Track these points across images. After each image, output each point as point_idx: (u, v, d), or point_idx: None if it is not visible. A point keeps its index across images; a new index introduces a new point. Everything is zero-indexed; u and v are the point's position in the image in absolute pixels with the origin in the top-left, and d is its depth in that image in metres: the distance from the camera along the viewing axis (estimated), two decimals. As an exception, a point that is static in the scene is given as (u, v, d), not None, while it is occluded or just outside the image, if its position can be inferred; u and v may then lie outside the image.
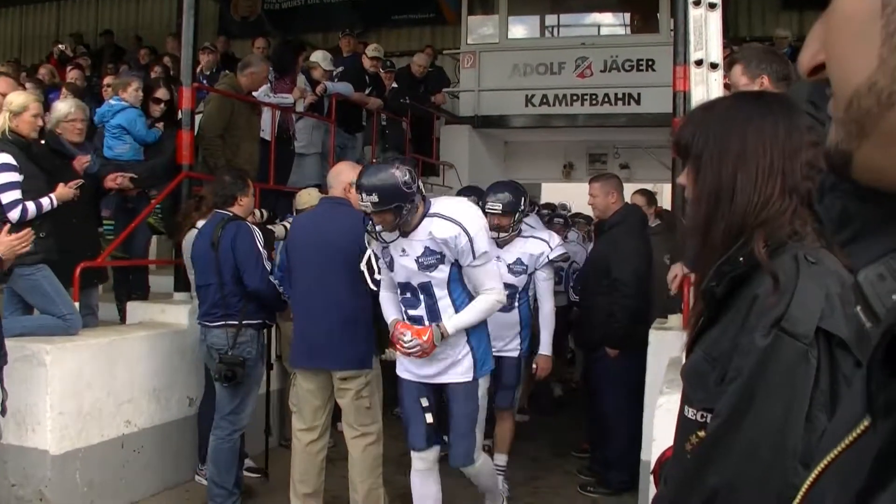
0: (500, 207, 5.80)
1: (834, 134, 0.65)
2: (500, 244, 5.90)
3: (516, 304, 5.95)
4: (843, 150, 0.63)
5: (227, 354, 5.58)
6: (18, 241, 4.42)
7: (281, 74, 9.44)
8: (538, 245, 5.99)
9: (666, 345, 5.20)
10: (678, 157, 1.75)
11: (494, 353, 5.67)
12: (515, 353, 6.01)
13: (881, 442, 0.58)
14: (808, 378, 1.39)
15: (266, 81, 8.43)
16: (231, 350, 5.59)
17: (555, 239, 6.19)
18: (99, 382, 5.58)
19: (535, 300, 6.14)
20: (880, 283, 0.65)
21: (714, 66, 5.05)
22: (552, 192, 15.16)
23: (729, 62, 4.37)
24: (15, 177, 5.63)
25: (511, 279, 5.86)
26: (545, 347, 6.06)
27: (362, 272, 4.95)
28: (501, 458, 6.23)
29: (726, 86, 5.16)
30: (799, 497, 0.69)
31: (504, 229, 5.85)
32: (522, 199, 5.93)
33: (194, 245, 5.94)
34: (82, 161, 6.50)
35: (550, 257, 5.98)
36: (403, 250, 4.71)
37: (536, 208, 9.54)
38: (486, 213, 5.57)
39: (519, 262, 5.96)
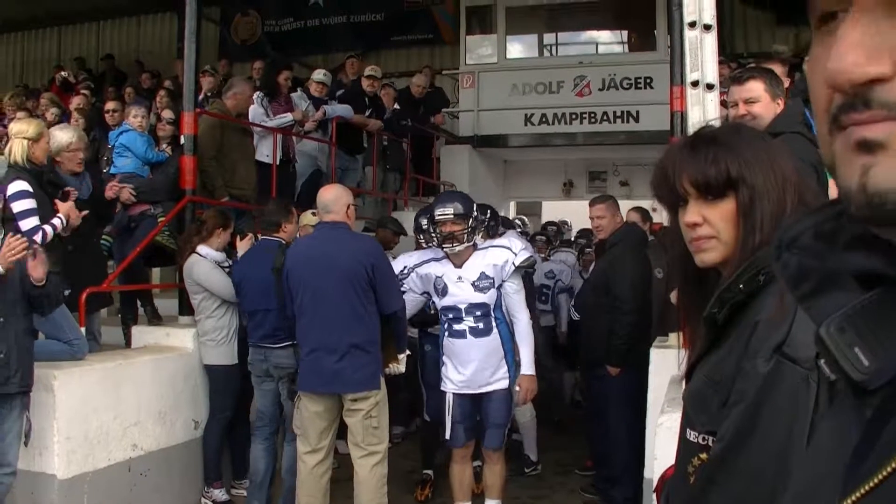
0: (451, 212, 5.31)
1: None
2: (458, 262, 5.46)
3: (493, 324, 5.46)
4: (816, 215, 0.61)
5: (296, 374, 5.69)
6: (10, 249, 4.53)
7: (272, 97, 9.50)
8: (500, 253, 5.45)
9: (667, 363, 5.20)
10: (699, 196, 1.72)
11: (480, 389, 5.51)
12: (504, 384, 5.51)
13: None
14: (809, 402, 1.43)
15: (251, 102, 8.47)
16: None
17: (516, 243, 5.66)
18: (105, 406, 5.61)
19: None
20: (840, 335, 0.66)
21: (710, 86, 5.09)
22: (553, 211, 15.20)
23: (745, 76, 4.39)
24: (32, 203, 5.68)
25: (480, 297, 5.41)
26: (527, 366, 5.49)
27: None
28: None
29: (723, 103, 5.22)
30: None
31: (458, 238, 5.34)
32: (474, 206, 5.49)
33: (242, 270, 6.09)
34: (73, 195, 6.52)
35: (517, 263, 5.43)
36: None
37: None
38: (435, 224, 5.40)
39: (483, 276, 5.41)
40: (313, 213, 6.53)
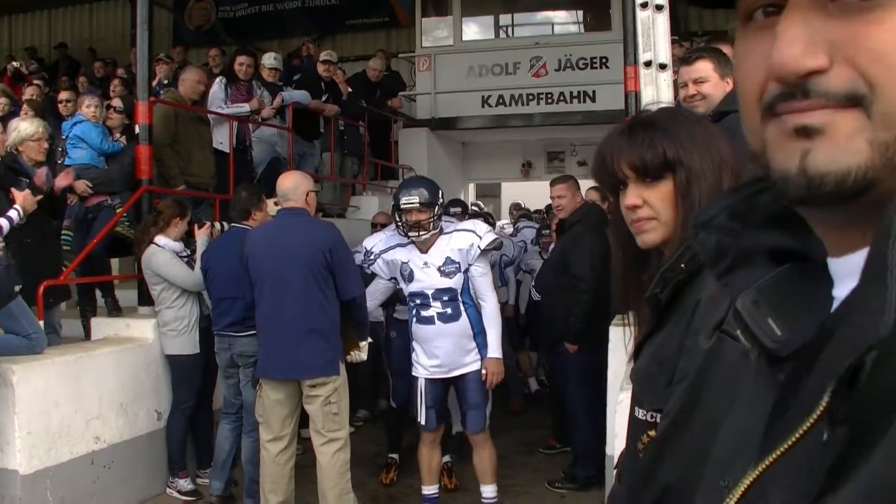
0: (417, 200, 5.25)
1: (857, 156, 0.61)
2: (424, 247, 5.40)
3: (462, 308, 5.42)
4: (872, 178, 0.61)
5: None
6: None
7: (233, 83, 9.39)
8: (465, 237, 5.40)
9: (626, 340, 5.21)
10: (638, 179, 1.76)
11: (455, 372, 5.48)
12: (477, 366, 5.45)
13: (837, 449, 0.64)
14: (749, 376, 1.46)
15: (200, 88, 8.32)
16: None
17: (481, 226, 5.60)
18: (66, 400, 5.58)
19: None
20: (755, 308, 0.72)
21: (663, 66, 5.15)
22: (512, 192, 15.27)
23: (694, 57, 4.44)
24: None
25: (446, 282, 5.36)
26: (494, 349, 5.44)
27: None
28: (489, 490, 5.74)
29: (675, 83, 5.27)
30: (735, 498, 0.74)
31: (424, 227, 5.28)
32: (440, 192, 5.43)
33: (210, 258, 6.08)
34: (41, 178, 6.47)
35: (482, 247, 5.38)
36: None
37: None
38: (401, 211, 5.32)
39: (449, 261, 5.36)
40: (275, 203, 6.54)
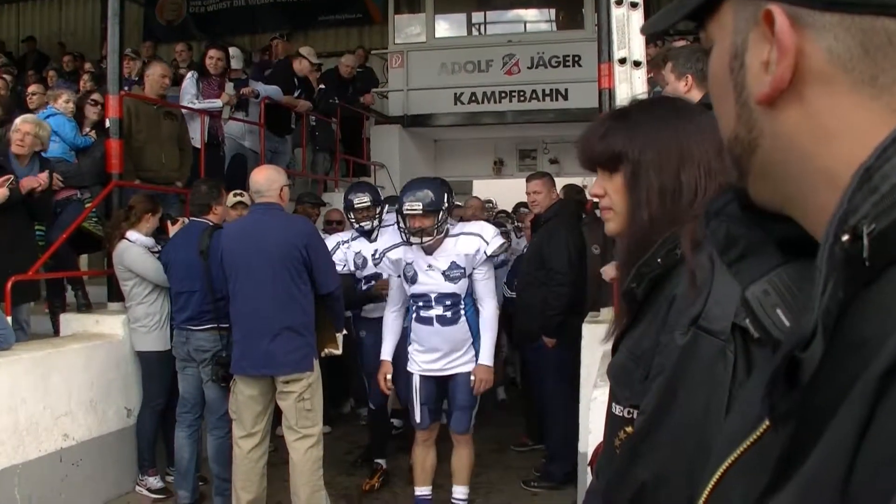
0: (420, 207, 5.06)
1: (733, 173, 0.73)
2: (429, 250, 5.25)
3: (462, 312, 5.32)
4: (739, 186, 0.72)
5: (223, 356, 5.70)
6: None
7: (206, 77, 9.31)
8: (472, 242, 5.24)
9: (599, 338, 5.21)
10: (601, 169, 1.77)
11: (447, 371, 5.41)
12: (470, 367, 5.36)
13: (781, 446, 0.64)
14: (727, 373, 1.46)
15: (166, 81, 8.13)
16: (224, 351, 5.70)
17: (488, 230, 5.44)
18: (35, 397, 5.52)
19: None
20: (765, 297, 0.73)
21: (637, 64, 5.15)
22: (484, 189, 15.27)
23: (662, 59, 4.52)
24: None
25: (450, 287, 5.24)
26: (486, 356, 5.35)
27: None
28: (461, 491, 5.69)
29: (650, 81, 5.31)
30: (705, 494, 0.74)
31: (428, 232, 5.11)
32: (446, 195, 5.21)
33: (170, 252, 6.04)
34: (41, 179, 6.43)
35: (489, 252, 5.25)
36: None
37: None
38: (404, 216, 5.15)
39: (454, 265, 5.22)
40: (234, 195, 6.50)
